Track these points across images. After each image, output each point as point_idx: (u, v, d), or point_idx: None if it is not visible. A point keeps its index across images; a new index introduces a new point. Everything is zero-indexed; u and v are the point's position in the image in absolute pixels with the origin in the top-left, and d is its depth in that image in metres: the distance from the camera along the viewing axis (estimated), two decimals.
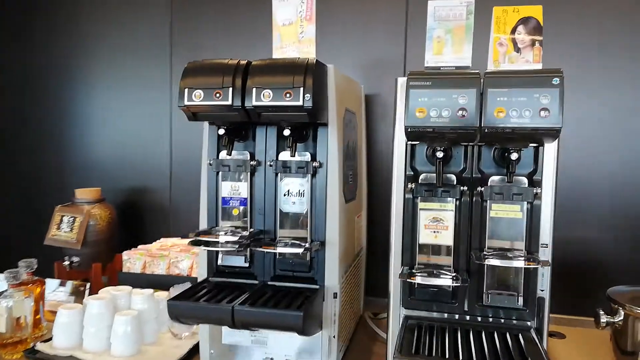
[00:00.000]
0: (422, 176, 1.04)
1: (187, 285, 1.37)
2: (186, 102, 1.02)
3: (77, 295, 1.48)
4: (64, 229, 1.64)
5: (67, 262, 1.63)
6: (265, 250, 1.05)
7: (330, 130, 1.09)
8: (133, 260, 1.50)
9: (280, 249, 1.03)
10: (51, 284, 1.49)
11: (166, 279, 1.45)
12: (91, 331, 1.25)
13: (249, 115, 1.02)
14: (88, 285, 1.47)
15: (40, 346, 1.25)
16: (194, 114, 1.05)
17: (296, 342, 1.12)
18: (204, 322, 1.04)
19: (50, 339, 1.29)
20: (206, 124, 1.16)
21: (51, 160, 2.03)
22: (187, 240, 1.72)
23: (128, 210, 1.87)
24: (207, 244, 1.06)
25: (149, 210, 1.90)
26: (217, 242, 1.04)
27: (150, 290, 1.35)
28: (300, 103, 0.96)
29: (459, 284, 0.95)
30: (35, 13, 2.03)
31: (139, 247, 1.62)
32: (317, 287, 1.08)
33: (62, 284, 1.48)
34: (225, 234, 1.09)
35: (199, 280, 1.17)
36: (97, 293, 1.35)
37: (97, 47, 1.96)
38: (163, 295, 1.36)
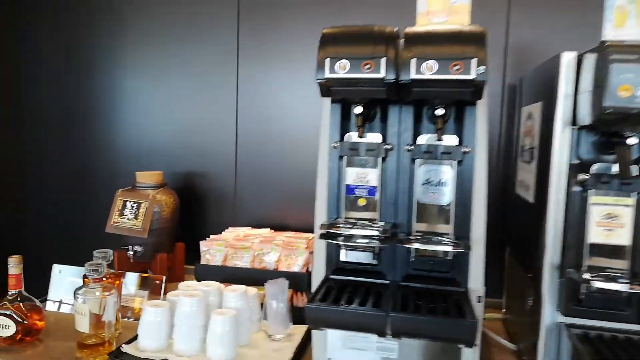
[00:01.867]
0: (594, 167, 0.91)
1: (283, 281, 1.24)
2: (327, 75, 0.88)
3: (151, 289, 1.34)
4: (127, 215, 1.49)
5: (131, 252, 1.48)
6: (434, 248, 0.91)
7: (479, 111, 0.96)
8: (213, 251, 1.35)
9: (441, 247, 0.89)
10: (128, 277, 1.34)
11: (254, 274, 1.31)
12: (183, 331, 1.11)
13: (398, 91, 0.89)
14: (164, 278, 1.32)
15: (126, 348, 1.11)
16: (329, 89, 0.91)
17: (430, 351, 0.99)
18: (348, 329, 0.90)
19: (132, 339, 1.16)
20: (327, 101, 1.02)
21: (107, 144, 1.86)
22: (263, 231, 1.61)
23: (189, 197, 1.72)
24: (339, 237, 0.92)
25: (212, 198, 1.75)
26: (353, 236, 0.91)
27: (243, 287, 1.21)
28: (471, 76, 0.82)
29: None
30: None
31: (211, 237, 1.47)
32: (462, 289, 0.96)
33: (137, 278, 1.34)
34: (353, 227, 0.96)
35: (314, 277, 1.04)
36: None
37: (160, 29, 1.80)
38: (253, 292, 1.23)
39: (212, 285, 1.22)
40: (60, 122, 1.91)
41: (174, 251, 1.62)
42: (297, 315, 1.19)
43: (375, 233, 0.89)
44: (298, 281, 1.27)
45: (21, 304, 1.14)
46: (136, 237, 1.48)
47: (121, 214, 1.49)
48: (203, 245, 1.37)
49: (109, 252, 1.20)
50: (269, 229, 1.58)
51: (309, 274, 1.31)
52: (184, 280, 1.70)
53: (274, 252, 1.34)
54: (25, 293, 1.16)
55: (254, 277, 1.32)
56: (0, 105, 1.91)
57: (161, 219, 1.53)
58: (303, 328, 1.25)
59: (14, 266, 1.14)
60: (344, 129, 1.02)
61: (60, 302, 1.41)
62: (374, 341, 0.99)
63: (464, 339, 0.80)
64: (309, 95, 1.68)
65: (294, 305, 1.27)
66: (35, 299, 1.17)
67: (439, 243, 0.90)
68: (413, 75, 0.84)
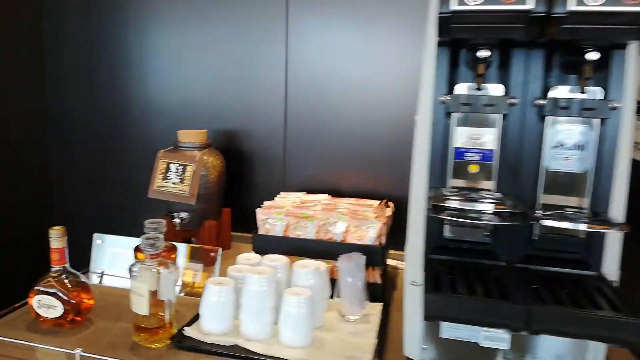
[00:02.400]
0: None
1: (358, 256, 1.09)
2: (454, 7, 0.69)
3: (204, 261, 1.20)
4: (172, 179, 1.33)
5: (178, 220, 1.34)
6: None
7: (630, 56, 0.77)
8: (273, 220, 1.21)
9: (600, 228, 0.72)
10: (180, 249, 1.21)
11: (320, 247, 1.17)
12: (252, 313, 0.98)
13: (542, 30, 0.70)
14: (220, 251, 1.18)
15: (189, 331, 0.98)
16: (451, 26, 0.72)
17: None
18: (475, 324, 0.76)
19: (192, 320, 1.03)
20: (431, 45, 0.83)
21: (140, 100, 1.68)
22: (320, 197, 1.43)
23: (233, 158, 1.55)
24: (452, 212, 0.76)
25: (259, 159, 1.58)
26: (477, 213, 0.74)
27: (314, 262, 1.07)
28: None
29: None
30: None
31: (266, 203, 1.32)
32: (595, 274, 0.80)
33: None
34: (465, 199, 0.80)
35: (408, 255, 0.88)
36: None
37: None
38: (324, 267, 1.09)
39: (279, 259, 1.08)
40: (88, 76, 1.73)
41: (220, 218, 1.48)
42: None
43: (505, 209, 0.73)
44: (372, 255, 1.12)
45: (66, 281, 1.01)
46: (183, 203, 1.33)
47: (165, 178, 1.34)
48: (261, 213, 1.22)
49: (162, 223, 1.06)
50: (327, 195, 1.42)
51: (382, 247, 1.16)
52: (229, 249, 1.58)
53: (342, 222, 1.19)
54: (70, 269, 1.03)
55: (320, 250, 1.18)
56: (24, 60, 1.73)
57: (208, 182, 1.37)
58: (377, 307, 1.12)
59: (57, 239, 1.00)
60: (452, 80, 0.84)
61: (102, 274, 1.28)
62: (479, 329, 0.86)
63: (632, 340, 0.65)
64: (371, 47, 1.48)
65: (369, 282, 1.13)
66: (81, 274, 1.04)
67: (594, 222, 0.73)
68: (572, 6, 0.65)
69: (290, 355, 0.92)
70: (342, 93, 1.50)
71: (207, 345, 0.94)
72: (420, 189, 0.86)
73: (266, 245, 1.20)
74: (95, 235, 1.27)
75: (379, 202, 1.38)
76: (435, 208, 0.76)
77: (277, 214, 1.22)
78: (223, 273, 1.12)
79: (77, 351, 0.91)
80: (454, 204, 0.77)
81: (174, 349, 0.94)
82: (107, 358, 0.90)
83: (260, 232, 1.22)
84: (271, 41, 1.53)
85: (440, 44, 0.82)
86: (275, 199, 1.40)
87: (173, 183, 1.33)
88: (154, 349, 0.94)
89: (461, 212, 0.76)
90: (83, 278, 1.03)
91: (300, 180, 1.55)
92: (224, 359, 0.92)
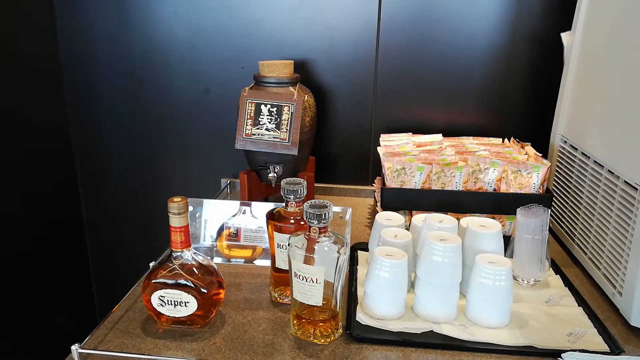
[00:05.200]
0: None
1: (539, 209, 0.90)
2: None
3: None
4: (265, 124, 1.06)
5: (273, 175, 1.08)
6: None
7: None
8: (411, 169, 0.98)
9: None
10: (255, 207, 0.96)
11: (474, 199, 0.96)
12: (438, 290, 0.78)
13: None
14: (349, 211, 0.95)
15: (365, 319, 0.78)
16: None
17: None
18: None
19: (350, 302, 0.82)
20: None
21: (192, 21, 1.33)
22: (433, 138, 1.16)
23: (314, 94, 1.27)
24: None
25: (342, 97, 1.31)
26: None
27: (489, 220, 0.87)
28: None
29: None
30: None
31: (383, 150, 1.08)
32: None
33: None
34: None
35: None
36: None
37: None
38: (496, 228, 0.89)
39: (446, 220, 0.87)
40: None
41: (306, 169, 1.24)
42: None
43: None
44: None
45: (195, 269, 0.76)
46: (280, 153, 1.07)
47: (256, 123, 1.06)
48: (390, 161, 0.98)
49: (302, 183, 0.81)
50: (440, 135, 1.20)
51: (550, 195, 0.97)
52: None
53: (494, 167, 0.98)
54: (195, 252, 0.78)
55: (472, 204, 0.98)
56: None
57: (304, 127, 1.11)
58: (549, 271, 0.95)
59: (179, 215, 0.73)
60: None
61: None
62: None
63: None
64: None
65: None
66: (207, 257, 0.79)
67: None
68: None
69: (503, 337, 0.74)
70: (443, 19, 1.23)
71: (397, 335, 0.74)
72: None
73: (401, 201, 0.98)
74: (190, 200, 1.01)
75: (500, 140, 1.18)
76: None
77: (409, 161, 0.99)
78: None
79: None
80: None
81: (351, 342, 0.74)
82: None
83: (391, 184, 1.00)
84: None
85: None
86: (382, 143, 1.17)
87: (267, 129, 1.06)
88: (327, 345, 0.74)
89: None
90: (211, 262, 0.79)
91: (391, 119, 1.31)
92: (413, 350, 0.73)
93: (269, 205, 0.99)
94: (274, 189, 1.17)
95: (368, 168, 1.36)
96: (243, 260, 1.01)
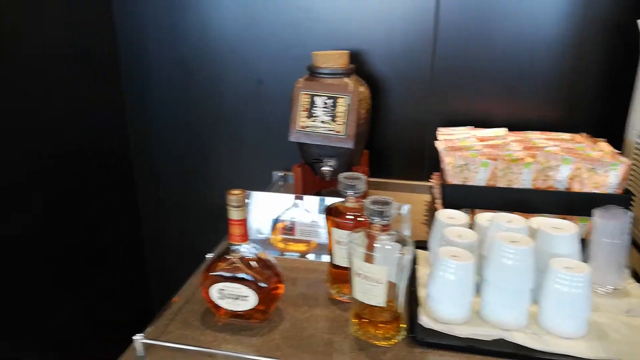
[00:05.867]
0: None
1: (619, 210, 0.83)
2: None
3: None
4: (320, 116, 1.04)
5: (327, 168, 1.06)
6: None
7: None
8: (474, 165, 0.93)
9: None
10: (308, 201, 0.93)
11: (544, 199, 0.90)
12: (508, 295, 0.73)
13: None
14: (407, 208, 0.92)
15: (429, 322, 0.74)
16: None
17: None
18: None
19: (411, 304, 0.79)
20: None
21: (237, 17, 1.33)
22: (496, 132, 1.10)
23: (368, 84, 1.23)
24: None
25: (397, 88, 1.27)
26: None
27: (563, 221, 0.81)
28: None
29: None
30: None
31: (442, 144, 1.03)
32: None
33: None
34: None
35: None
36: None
37: None
38: (572, 230, 0.82)
39: (515, 220, 0.82)
40: None
41: (359, 163, 1.20)
42: None
43: None
44: None
45: (254, 263, 0.75)
46: (335, 146, 1.04)
47: (310, 115, 1.04)
48: (451, 156, 0.93)
49: (361, 178, 0.78)
50: (504, 129, 1.14)
51: (628, 196, 0.90)
52: None
53: (566, 164, 0.92)
54: (254, 245, 0.77)
55: (542, 203, 0.91)
56: None
57: (360, 119, 1.08)
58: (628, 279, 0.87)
59: (238, 208, 0.72)
60: None
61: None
62: None
63: None
64: None
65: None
66: (265, 251, 0.78)
67: None
68: None
69: (580, 349, 0.68)
70: (506, 4, 1.16)
71: (464, 341, 0.70)
72: None
73: (464, 199, 0.93)
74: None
75: (569, 135, 1.10)
76: None
77: (472, 157, 0.94)
78: None
79: None
80: None
81: (414, 345, 0.71)
82: None
83: (452, 180, 0.95)
84: None
85: None
86: (439, 137, 1.12)
87: (323, 121, 1.03)
88: (389, 348, 0.71)
89: None
90: (268, 256, 0.78)
91: (447, 111, 1.25)
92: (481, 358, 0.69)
93: (323, 199, 0.97)
94: (328, 182, 1.15)
95: (422, 163, 1.31)
96: (297, 254, 0.99)
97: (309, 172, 1.12)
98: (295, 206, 1.03)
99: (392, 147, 1.31)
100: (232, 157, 1.44)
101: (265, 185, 1.35)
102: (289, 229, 0.98)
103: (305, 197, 0.99)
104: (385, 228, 0.68)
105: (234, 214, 0.72)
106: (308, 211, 1.02)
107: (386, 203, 0.68)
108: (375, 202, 0.68)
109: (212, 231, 1.13)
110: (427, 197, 1.25)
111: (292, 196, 1.02)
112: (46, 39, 1.16)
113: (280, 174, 1.34)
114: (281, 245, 1.00)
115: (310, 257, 0.98)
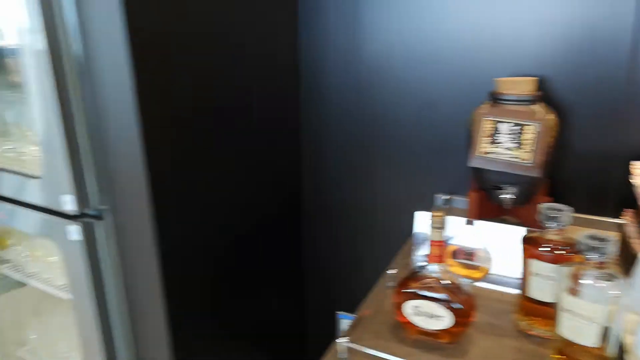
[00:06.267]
0: None
1: None
2: None
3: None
4: (504, 143, 1.03)
5: (508, 196, 1.05)
6: None
7: None
8: None
9: None
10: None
11: None
12: None
13: None
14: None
15: None
16: None
17: None
18: None
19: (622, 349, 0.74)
20: None
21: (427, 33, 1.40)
22: None
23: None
24: None
25: (583, 120, 1.21)
26: None
27: None
28: None
29: None
30: None
31: None
32: None
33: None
34: None
35: None
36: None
37: None
38: None
39: None
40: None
41: (537, 194, 1.16)
42: None
43: None
44: None
45: (449, 284, 0.77)
46: (518, 174, 1.03)
47: (494, 142, 1.04)
48: None
49: (565, 211, 0.76)
50: None
51: None
52: None
53: None
54: (447, 267, 0.80)
55: None
56: None
57: (547, 147, 1.05)
58: None
59: (438, 229, 0.75)
60: None
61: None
62: None
63: None
64: None
65: None
66: (455, 275, 0.80)
67: None
68: None
69: None
70: None
71: None
72: None
73: None
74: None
75: None
76: None
77: None
78: None
79: None
80: None
81: None
82: None
83: None
84: None
85: None
86: (635, 171, 1.03)
87: (507, 148, 1.02)
88: None
89: None
90: (459, 280, 0.79)
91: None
92: None
93: (498, 226, 0.95)
94: (502, 210, 1.12)
95: (607, 196, 1.21)
96: (470, 280, 0.99)
97: (485, 198, 1.11)
98: (470, 231, 1.03)
99: (572, 177, 1.23)
100: (396, 177, 1.48)
101: (426, 208, 1.36)
102: (468, 254, 0.98)
103: (479, 222, 0.99)
104: (600, 265, 0.65)
105: (435, 235, 0.75)
106: (481, 237, 1.01)
107: (605, 240, 0.65)
108: (594, 238, 0.65)
109: (365, 246, 1.16)
110: (612, 234, 1.15)
111: (465, 220, 1.02)
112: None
113: (446, 197, 1.34)
114: (455, 269, 1.01)
115: (481, 284, 0.97)
